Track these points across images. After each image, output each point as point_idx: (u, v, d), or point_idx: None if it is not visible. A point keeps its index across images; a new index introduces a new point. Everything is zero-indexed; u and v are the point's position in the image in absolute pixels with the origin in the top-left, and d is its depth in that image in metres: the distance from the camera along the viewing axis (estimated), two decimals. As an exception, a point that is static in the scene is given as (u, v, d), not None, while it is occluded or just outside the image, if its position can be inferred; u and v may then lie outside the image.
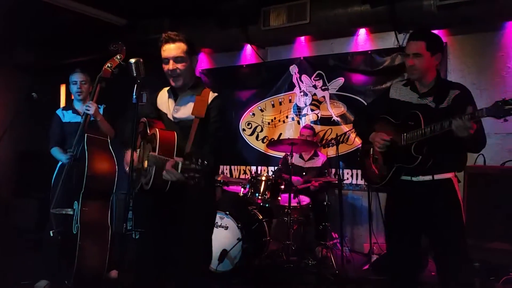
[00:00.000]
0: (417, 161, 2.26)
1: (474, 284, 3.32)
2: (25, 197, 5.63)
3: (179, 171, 1.93)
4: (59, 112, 3.71)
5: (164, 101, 2.45)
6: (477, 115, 2.00)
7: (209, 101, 2.35)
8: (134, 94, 2.23)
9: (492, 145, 4.19)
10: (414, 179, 2.37)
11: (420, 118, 2.27)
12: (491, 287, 3.42)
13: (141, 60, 2.26)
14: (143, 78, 2.26)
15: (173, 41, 2.29)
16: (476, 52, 4.51)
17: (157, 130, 2.25)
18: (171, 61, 2.29)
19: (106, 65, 3.30)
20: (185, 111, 2.36)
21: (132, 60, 2.22)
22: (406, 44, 2.45)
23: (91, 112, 3.30)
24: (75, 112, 3.65)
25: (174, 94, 2.41)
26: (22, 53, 6.29)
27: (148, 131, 2.35)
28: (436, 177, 2.32)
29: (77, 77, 3.62)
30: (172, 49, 2.28)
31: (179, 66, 2.29)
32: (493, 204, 3.54)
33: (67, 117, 3.66)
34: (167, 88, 2.45)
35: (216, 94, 2.41)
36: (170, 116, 2.40)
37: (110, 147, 3.45)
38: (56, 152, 3.59)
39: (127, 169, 2.30)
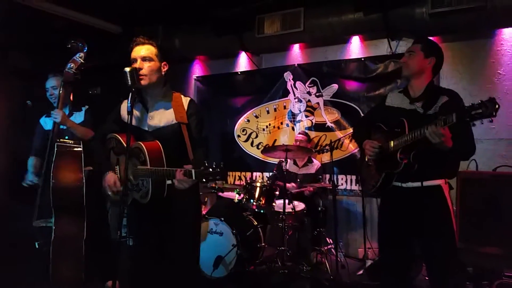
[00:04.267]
0: (401, 166, 2.30)
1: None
2: (21, 204, 5.61)
3: (193, 178, 1.99)
4: (42, 120, 3.54)
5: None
6: (448, 121, 2.02)
7: (186, 106, 2.40)
8: (128, 102, 2.23)
9: (484, 150, 4.25)
10: (403, 185, 2.40)
11: (405, 124, 2.31)
12: (484, 292, 3.45)
13: (136, 69, 2.27)
14: (137, 87, 2.27)
15: (143, 43, 2.36)
16: (468, 59, 4.57)
17: (140, 143, 2.25)
18: (139, 60, 2.31)
19: (66, 67, 3.07)
20: (162, 117, 2.37)
21: (127, 69, 2.23)
22: None
23: (58, 120, 3.08)
24: None
25: (142, 102, 2.41)
26: (17, 60, 6.29)
27: (124, 145, 2.32)
28: (425, 183, 2.34)
29: (48, 83, 3.43)
30: (141, 50, 2.33)
31: (146, 65, 2.30)
32: (485, 209, 3.56)
33: (50, 124, 3.40)
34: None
35: (189, 98, 2.45)
36: (143, 126, 2.39)
37: (82, 156, 3.16)
38: (29, 164, 3.42)
39: (109, 192, 2.30)
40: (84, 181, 3.11)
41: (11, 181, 6.11)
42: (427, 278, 2.52)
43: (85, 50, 3.13)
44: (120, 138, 2.39)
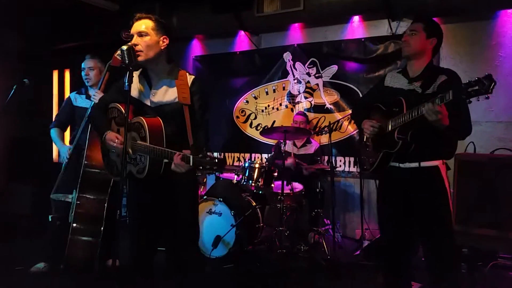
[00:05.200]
0: (398, 145, 2.30)
1: (460, 268, 3.42)
2: (19, 183, 5.63)
3: (190, 164, 2.00)
4: (72, 95, 3.69)
5: (134, 86, 2.36)
6: (444, 98, 2.03)
7: (190, 83, 2.35)
8: (125, 81, 2.21)
9: (482, 133, 4.26)
10: (401, 165, 2.41)
11: (403, 103, 2.31)
12: (479, 272, 3.50)
13: (134, 47, 2.24)
14: (135, 65, 2.25)
15: (140, 18, 2.32)
16: (469, 41, 4.52)
17: (142, 118, 2.24)
18: (135, 36, 2.29)
19: (116, 54, 3.16)
20: (165, 95, 2.34)
21: (124, 47, 2.19)
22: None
23: (97, 101, 3.18)
24: (89, 97, 3.57)
25: (147, 78, 2.38)
26: (14, 39, 6.21)
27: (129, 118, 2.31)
28: (423, 164, 2.35)
29: (85, 63, 3.58)
30: (138, 25, 2.30)
31: (142, 40, 2.26)
32: (482, 191, 3.60)
33: (80, 101, 3.61)
34: (137, 72, 2.40)
35: (193, 76, 2.39)
36: (146, 101, 2.37)
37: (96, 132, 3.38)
38: (53, 135, 3.57)
39: (113, 144, 2.29)
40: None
41: (8, 159, 6.14)
42: (423, 259, 2.54)
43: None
44: (122, 109, 2.37)
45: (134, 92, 2.37)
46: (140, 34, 2.28)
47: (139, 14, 2.33)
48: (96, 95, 3.26)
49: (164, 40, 2.33)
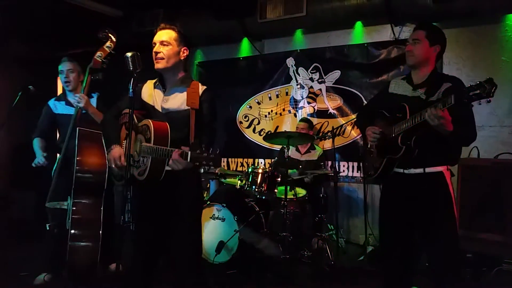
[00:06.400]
0: (401, 151, 2.30)
1: (464, 275, 3.39)
2: (22, 189, 5.64)
3: (188, 160, 2.01)
4: (51, 103, 3.59)
5: (149, 93, 2.49)
6: (446, 102, 2.03)
7: (200, 93, 2.42)
8: (130, 88, 2.23)
9: (486, 137, 4.24)
10: (405, 171, 2.41)
11: (406, 109, 2.31)
12: (483, 278, 3.47)
13: (138, 53, 2.27)
14: (139, 71, 2.27)
15: (164, 28, 2.44)
16: (471, 45, 4.52)
17: (150, 121, 2.29)
18: (157, 44, 2.39)
19: (96, 55, 3.22)
20: (175, 101, 2.41)
21: (129, 54, 2.23)
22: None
23: (82, 104, 3.19)
24: (69, 103, 3.51)
25: (162, 85, 2.46)
26: (18, 45, 6.26)
27: (136, 122, 2.39)
28: (427, 170, 2.35)
29: (64, 66, 3.49)
30: (161, 35, 2.41)
31: (164, 49, 2.37)
32: (486, 196, 3.59)
33: (60, 108, 3.54)
34: (153, 80, 2.50)
35: (205, 86, 2.47)
36: (158, 107, 2.44)
37: (103, 140, 3.26)
38: (35, 144, 3.48)
39: (113, 165, 2.35)
40: (107, 166, 3.14)
41: (12, 165, 6.16)
42: (427, 264, 2.53)
43: (112, 40, 3.27)
44: (133, 115, 2.40)
45: (149, 98, 2.46)
46: (163, 43, 2.38)
47: (163, 24, 2.45)
48: (81, 99, 3.18)
49: (185, 51, 2.44)
